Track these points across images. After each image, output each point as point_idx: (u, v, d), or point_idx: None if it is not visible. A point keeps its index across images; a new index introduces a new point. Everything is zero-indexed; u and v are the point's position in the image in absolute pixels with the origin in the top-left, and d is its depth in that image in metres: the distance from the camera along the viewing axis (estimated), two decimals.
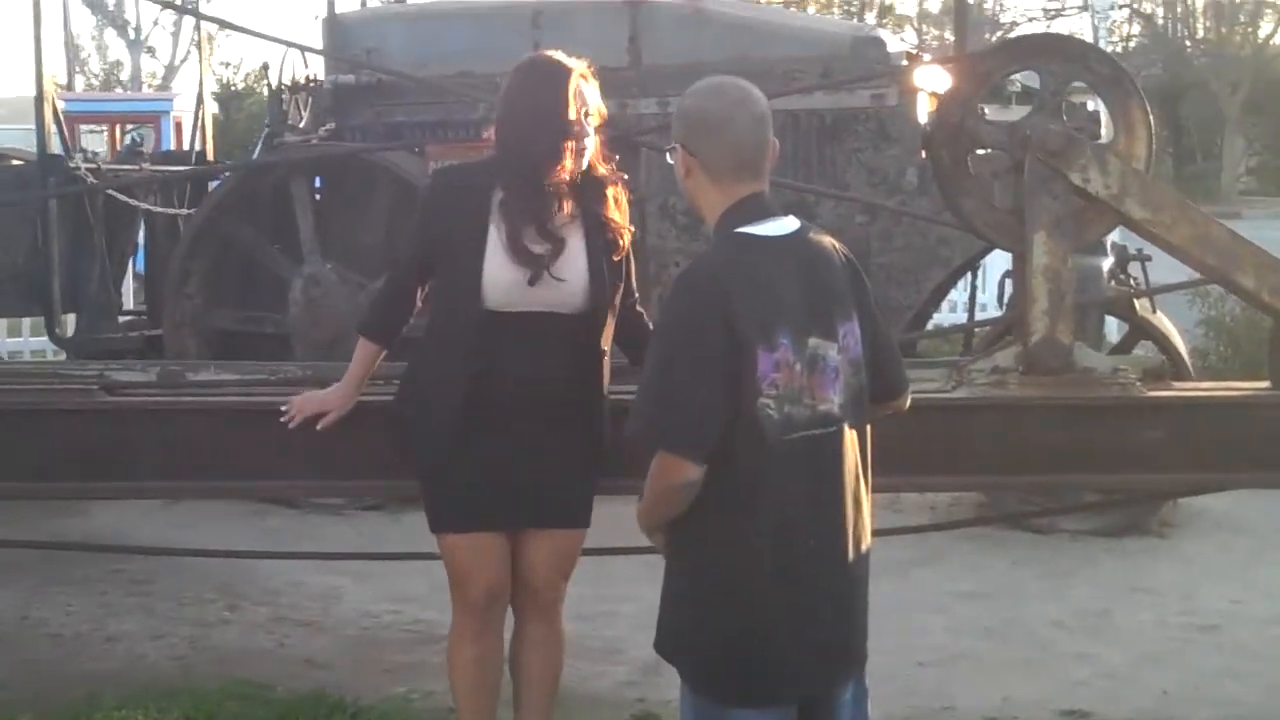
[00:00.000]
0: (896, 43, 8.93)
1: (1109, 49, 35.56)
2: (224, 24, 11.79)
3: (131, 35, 47.44)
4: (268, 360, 6.59)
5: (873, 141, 8.28)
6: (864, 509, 3.40)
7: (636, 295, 4.24)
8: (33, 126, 8.71)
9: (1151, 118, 4.94)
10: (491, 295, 3.94)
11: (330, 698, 5.25)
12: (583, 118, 3.98)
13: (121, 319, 9.79)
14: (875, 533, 6.40)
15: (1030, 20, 46.84)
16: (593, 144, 4.02)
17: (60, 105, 9.21)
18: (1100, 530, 7.68)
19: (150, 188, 9.35)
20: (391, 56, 8.80)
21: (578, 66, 4.02)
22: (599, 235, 4.01)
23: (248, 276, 8.61)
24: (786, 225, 3.34)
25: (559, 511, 4.03)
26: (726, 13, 8.78)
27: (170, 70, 42.30)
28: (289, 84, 9.25)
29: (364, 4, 10.63)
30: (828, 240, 3.42)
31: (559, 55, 4.06)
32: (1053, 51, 4.86)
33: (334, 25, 9.08)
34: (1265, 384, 5.02)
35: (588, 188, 4.05)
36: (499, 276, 3.93)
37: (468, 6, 9.25)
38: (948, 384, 4.87)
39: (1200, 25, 46.48)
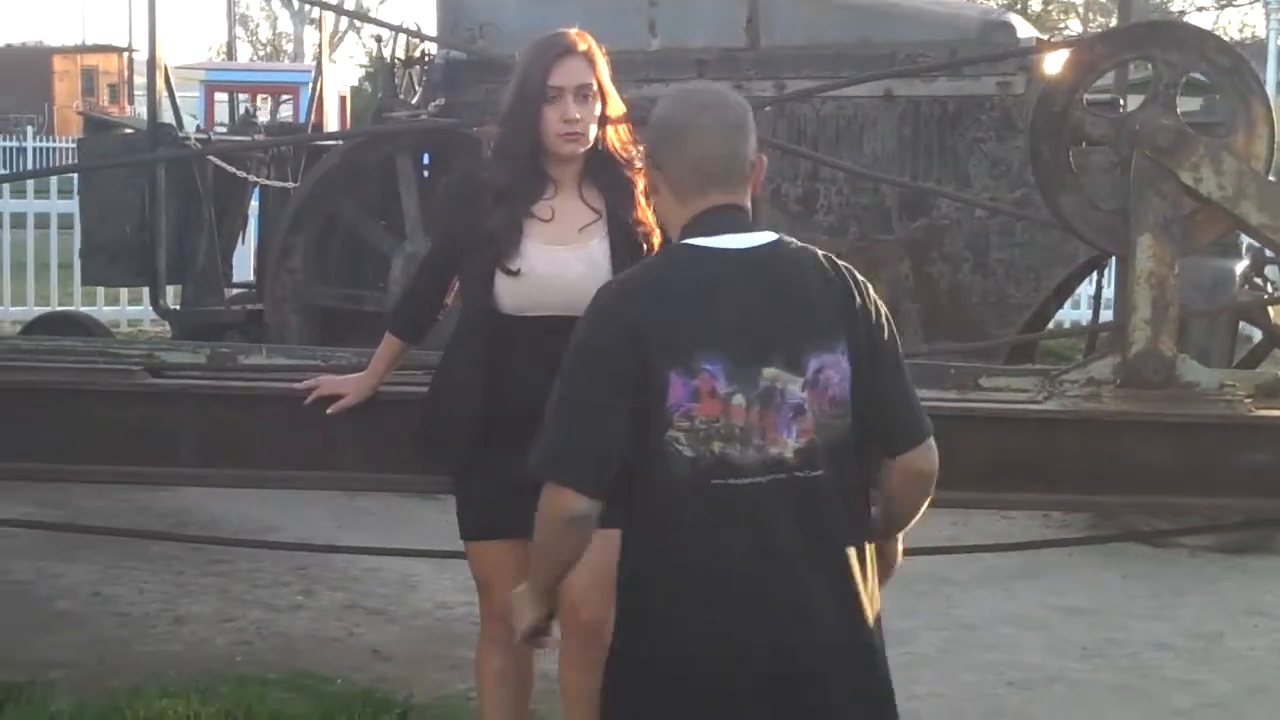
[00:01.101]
0: (1028, 28, 8.54)
1: None
2: (327, 6, 11.76)
3: (295, 6, 48.10)
4: (368, 340, 6.45)
5: (996, 131, 7.90)
6: (853, 583, 2.85)
7: None
8: (192, 94, 8.70)
9: (1274, 113, 4.60)
10: (504, 298, 3.74)
11: (379, 694, 5.08)
12: (572, 92, 3.72)
13: (235, 291, 9.77)
14: (978, 548, 6.18)
15: (1199, 10, 45.67)
16: (592, 125, 3.76)
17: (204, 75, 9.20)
18: (1220, 547, 7.28)
19: (263, 159, 9.28)
20: (506, 32, 8.57)
21: (577, 41, 3.77)
22: (623, 236, 3.76)
23: (351, 253, 8.50)
24: (753, 239, 2.88)
25: None
26: None
27: (333, 41, 42.74)
28: (402, 58, 9.12)
29: None
30: (817, 257, 2.91)
31: (564, 30, 3.81)
32: (1166, 39, 4.53)
33: (449, 0, 8.92)
34: None
35: (611, 184, 3.81)
36: (509, 280, 3.72)
37: None
38: (1038, 394, 4.57)
39: None
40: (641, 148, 3.60)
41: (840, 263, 2.93)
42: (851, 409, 2.83)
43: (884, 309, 2.93)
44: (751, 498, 2.77)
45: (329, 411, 4.11)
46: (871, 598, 2.91)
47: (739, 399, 2.75)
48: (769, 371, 2.76)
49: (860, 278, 2.92)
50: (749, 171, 2.94)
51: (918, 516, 3.01)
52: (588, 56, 3.77)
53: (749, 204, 2.95)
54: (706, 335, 2.76)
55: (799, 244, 2.92)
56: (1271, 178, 4.60)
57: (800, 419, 2.78)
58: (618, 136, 3.85)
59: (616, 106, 3.83)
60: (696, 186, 2.89)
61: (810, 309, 2.83)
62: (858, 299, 2.88)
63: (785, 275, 2.85)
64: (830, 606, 2.81)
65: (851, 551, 2.86)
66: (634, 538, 2.86)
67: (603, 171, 3.82)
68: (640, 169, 3.79)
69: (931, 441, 2.95)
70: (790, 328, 2.80)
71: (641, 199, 3.77)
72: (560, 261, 3.73)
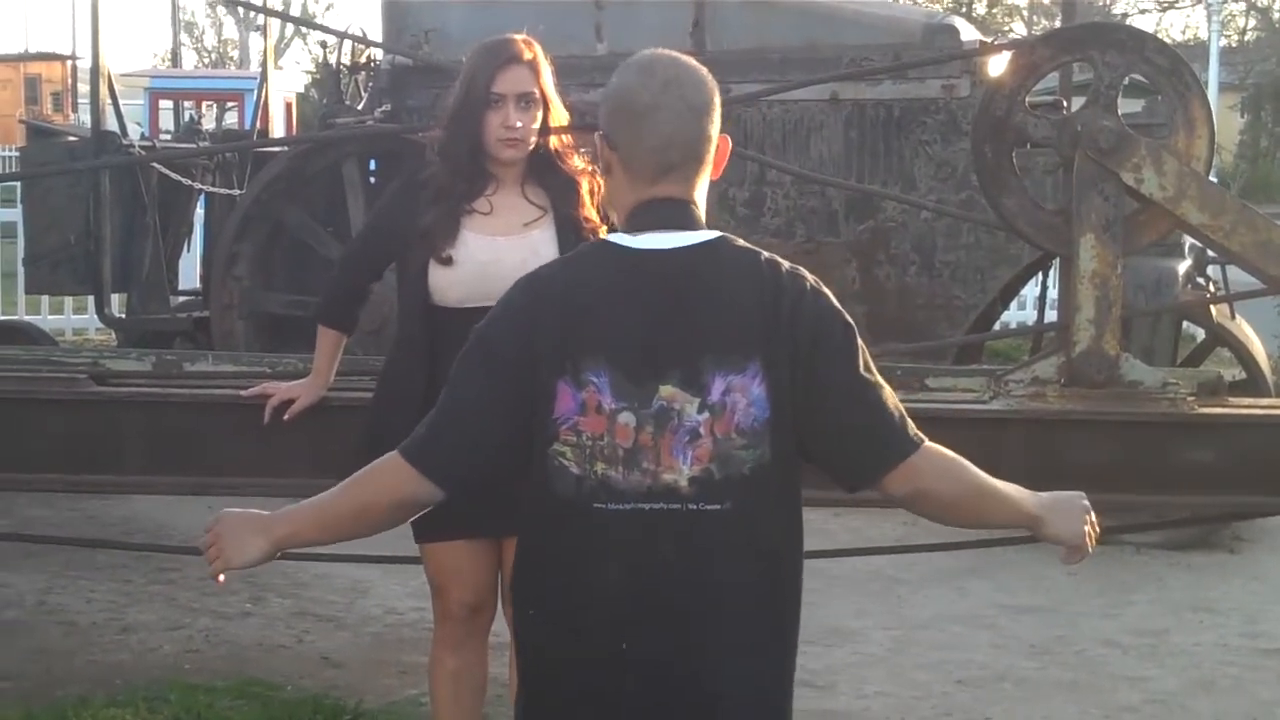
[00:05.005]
0: (971, 31, 8.61)
1: (1224, 43, 34.83)
2: (272, 13, 11.69)
3: (240, 13, 47.88)
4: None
5: (942, 133, 7.97)
6: (748, 637, 2.51)
7: None
8: (137, 102, 8.63)
9: (1214, 114, 4.65)
10: (445, 290, 3.77)
11: (328, 701, 5.06)
12: (514, 99, 3.77)
13: (181, 299, 9.73)
14: (924, 547, 6.21)
15: (1142, 12, 46.03)
16: (529, 129, 3.80)
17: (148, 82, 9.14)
18: (1167, 544, 7.34)
19: (208, 167, 9.24)
20: (452, 38, 8.59)
21: (523, 49, 3.81)
22: (570, 230, 3.80)
23: (298, 259, 8.47)
24: (683, 238, 2.54)
25: None
26: None
27: (279, 47, 42.52)
28: (348, 64, 9.10)
29: None
30: (758, 262, 2.54)
31: (511, 35, 3.86)
32: (1105, 41, 4.58)
33: (394, 7, 8.91)
34: None
35: (555, 183, 3.86)
36: (445, 270, 3.76)
37: None
38: (985, 395, 4.61)
39: None
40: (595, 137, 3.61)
41: (790, 269, 2.56)
42: (772, 440, 2.49)
43: (837, 325, 2.55)
44: (628, 526, 2.47)
45: (285, 418, 4.12)
46: (779, 659, 2.58)
47: (627, 417, 2.46)
48: (665, 389, 2.47)
49: (810, 288, 2.55)
50: (710, 155, 2.60)
51: (973, 517, 2.73)
52: (532, 65, 3.81)
53: (703, 192, 2.61)
54: (596, 343, 2.48)
55: (743, 246, 2.57)
56: (1212, 177, 4.66)
57: (696, 444, 2.47)
58: (560, 141, 3.88)
59: (559, 114, 3.88)
60: (652, 170, 2.56)
61: (726, 322, 2.50)
62: (786, 314, 2.51)
63: (708, 281, 2.51)
64: (719, 660, 2.50)
65: (750, 602, 2.52)
66: (520, 554, 2.61)
67: (546, 172, 3.88)
68: (584, 169, 3.82)
69: (901, 467, 2.56)
70: (697, 342, 2.48)
71: (587, 198, 3.83)
72: (501, 249, 3.77)
